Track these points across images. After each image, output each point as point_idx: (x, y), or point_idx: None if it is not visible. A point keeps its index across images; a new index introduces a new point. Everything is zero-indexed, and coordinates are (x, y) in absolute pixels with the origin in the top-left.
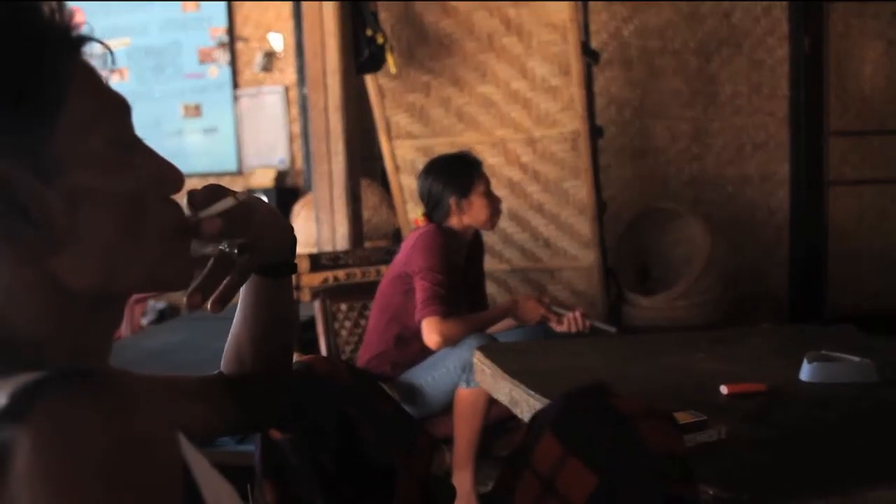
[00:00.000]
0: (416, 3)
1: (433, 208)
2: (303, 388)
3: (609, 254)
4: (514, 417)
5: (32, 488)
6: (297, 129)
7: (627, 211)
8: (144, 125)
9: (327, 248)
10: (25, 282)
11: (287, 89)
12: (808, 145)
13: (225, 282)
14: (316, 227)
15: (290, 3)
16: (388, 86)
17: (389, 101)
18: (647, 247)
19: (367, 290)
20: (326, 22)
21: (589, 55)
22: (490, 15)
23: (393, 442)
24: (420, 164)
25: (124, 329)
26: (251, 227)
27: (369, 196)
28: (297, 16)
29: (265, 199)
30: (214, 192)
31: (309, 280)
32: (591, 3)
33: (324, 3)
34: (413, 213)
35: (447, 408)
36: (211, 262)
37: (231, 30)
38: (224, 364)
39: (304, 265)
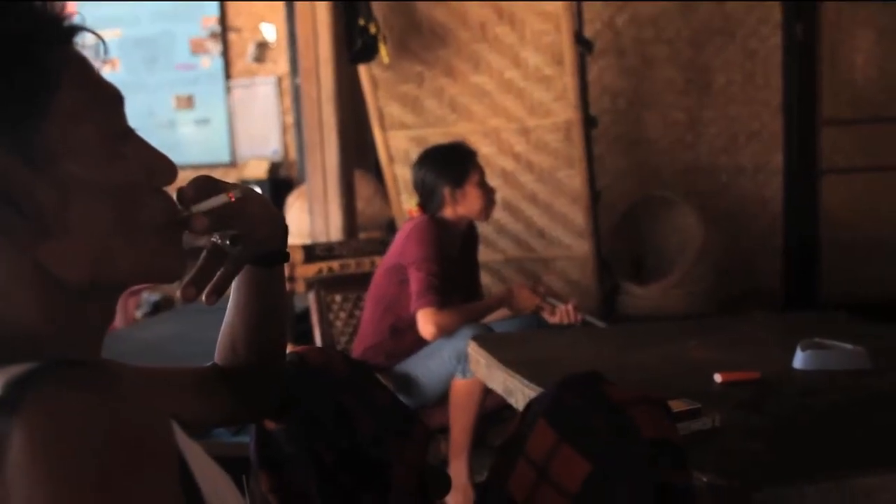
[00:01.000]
0: None
1: (427, 199)
2: (298, 379)
3: (603, 243)
4: (508, 407)
5: (26, 478)
6: (290, 119)
7: (621, 200)
8: (136, 116)
9: (321, 239)
10: (16, 273)
11: (280, 80)
12: (802, 134)
13: (219, 273)
14: (310, 218)
15: None
16: (382, 76)
17: (382, 91)
18: (641, 236)
19: (361, 281)
20: (319, 12)
21: (582, 44)
22: (482, 4)
23: (388, 432)
24: (414, 154)
25: (118, 321)
26: (243, 218)
27: (363, 187)
28: (290, 6)
29: (258, 190)
30: (205, 186)
31: (303, 271)
32: None
33: None
34: (407, 204)
35: (442, 398)
36: (204, 254)
37: (223, 20)
38: (218, 355)
39: (298, 256)
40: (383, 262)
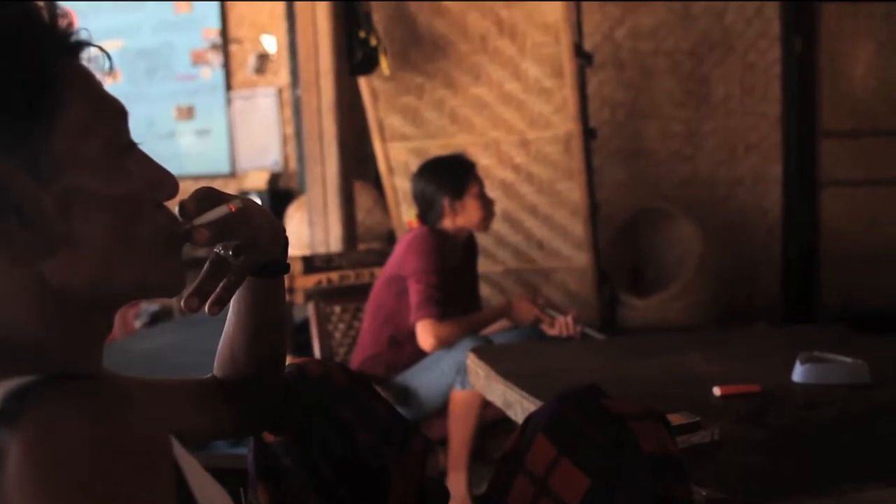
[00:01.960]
0: (409, 4)
1: (427, 210)
2: (297, 390)
3: (602, 255)
4: (507, 419)
5: (24, 491)
6: (290, 130)
7: (621, 212)
8: (137, 127)
9: (321, 250)
10: (17, 284)
11: (280, 91)
12: (801, 146)
13: (222, 284)
14: (309, 230)
15: (283, 4)
16: (382, 88)
17: (383, 102)
18: (640, 248)
19: (360, 293)
20: (319, 23)
21: (582, 57)
22: (483, 16)
23: (387, 443)
24: (413, 165)
25: (117, 331)
26: (245, 228)
27: (363, 198)
28: (291, 17)
29: (258, 200)
30: (206, 198)
31: (303, 282)
32: (584, 4)
33: (317, 4)
34: (407, 215)
35: (441, 409)
36: (207, 264)
37: (224, 31)
38: (217, 366)
39: (297, 267)
40: (383, 273)
